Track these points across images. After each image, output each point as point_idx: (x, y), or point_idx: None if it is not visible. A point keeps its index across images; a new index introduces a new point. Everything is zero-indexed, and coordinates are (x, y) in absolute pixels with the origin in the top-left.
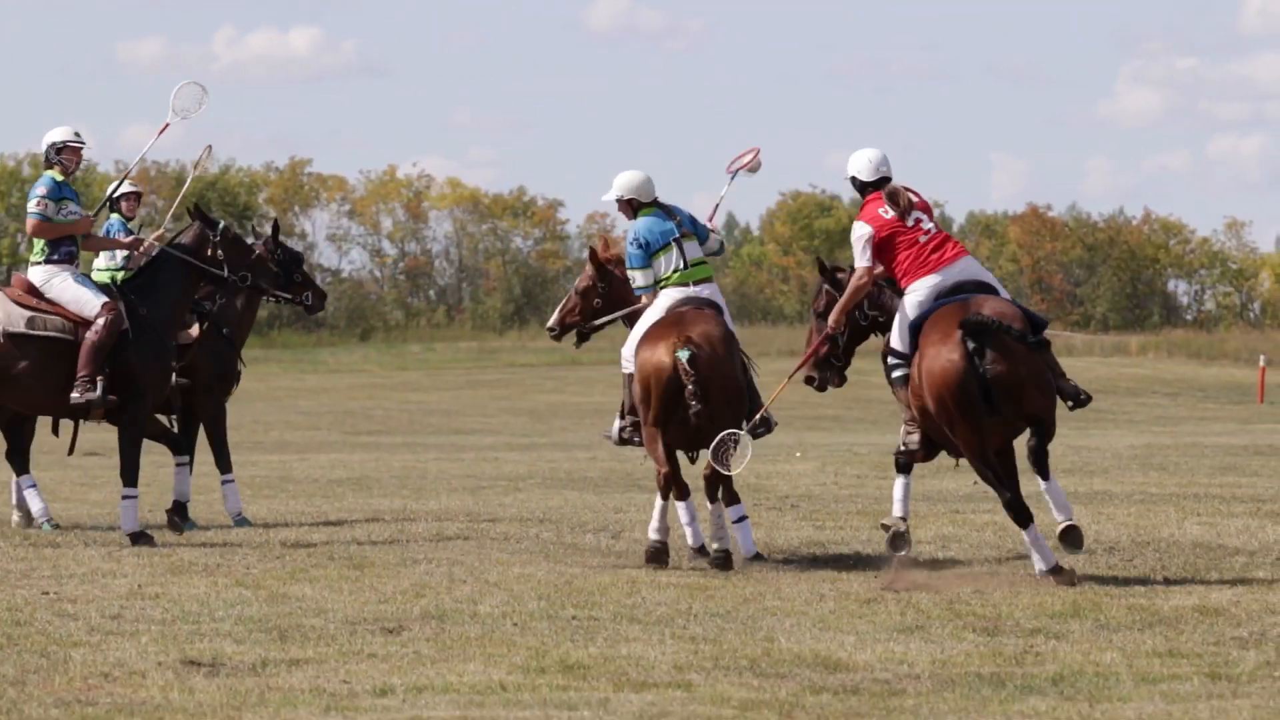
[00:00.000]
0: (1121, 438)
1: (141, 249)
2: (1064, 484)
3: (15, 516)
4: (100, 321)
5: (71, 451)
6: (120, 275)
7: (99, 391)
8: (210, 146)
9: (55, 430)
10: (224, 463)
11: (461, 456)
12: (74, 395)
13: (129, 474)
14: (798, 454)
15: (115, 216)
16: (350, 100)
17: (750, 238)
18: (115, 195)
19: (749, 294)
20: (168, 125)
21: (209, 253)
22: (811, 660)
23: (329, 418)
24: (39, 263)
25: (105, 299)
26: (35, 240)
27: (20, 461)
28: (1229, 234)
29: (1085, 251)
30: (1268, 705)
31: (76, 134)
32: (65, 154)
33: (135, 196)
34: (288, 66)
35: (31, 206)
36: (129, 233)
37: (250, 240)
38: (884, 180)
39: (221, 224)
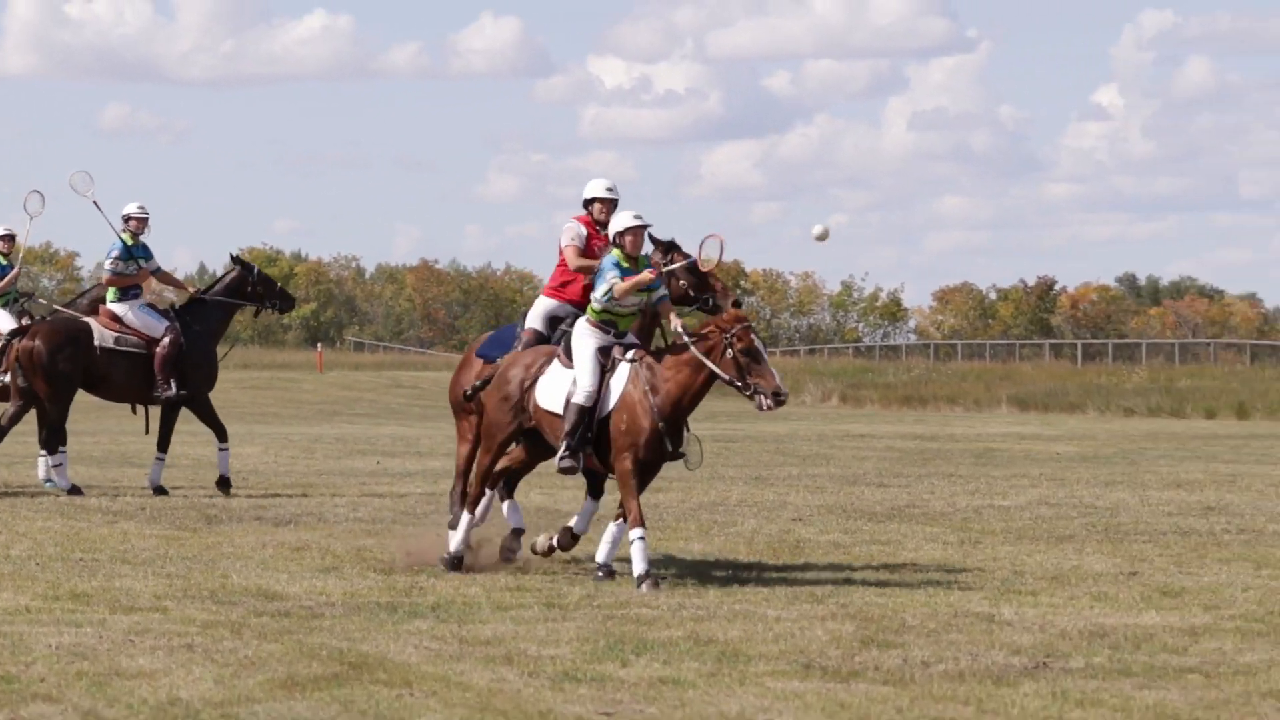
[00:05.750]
0: None
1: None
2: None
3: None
4: (167, 339)
5: (148, 431)
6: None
7: (174, 389)
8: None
9: (134, 410)
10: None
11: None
12: (155, 392)
13: (220, 431)
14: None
15: (125, 237)
16: None
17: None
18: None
19: None
20: (95, 203)
21: (248, 289)
22: (255, 592)
23: None
24: (116, 301)
25: (167, 322)
26: (111, 288)
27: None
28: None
29: (462, 294)
30: (588, 625)
31: (140, 207)
32: (132, 222)
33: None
34: None
35: (107, 265)
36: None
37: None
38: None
39: (255, 268)
